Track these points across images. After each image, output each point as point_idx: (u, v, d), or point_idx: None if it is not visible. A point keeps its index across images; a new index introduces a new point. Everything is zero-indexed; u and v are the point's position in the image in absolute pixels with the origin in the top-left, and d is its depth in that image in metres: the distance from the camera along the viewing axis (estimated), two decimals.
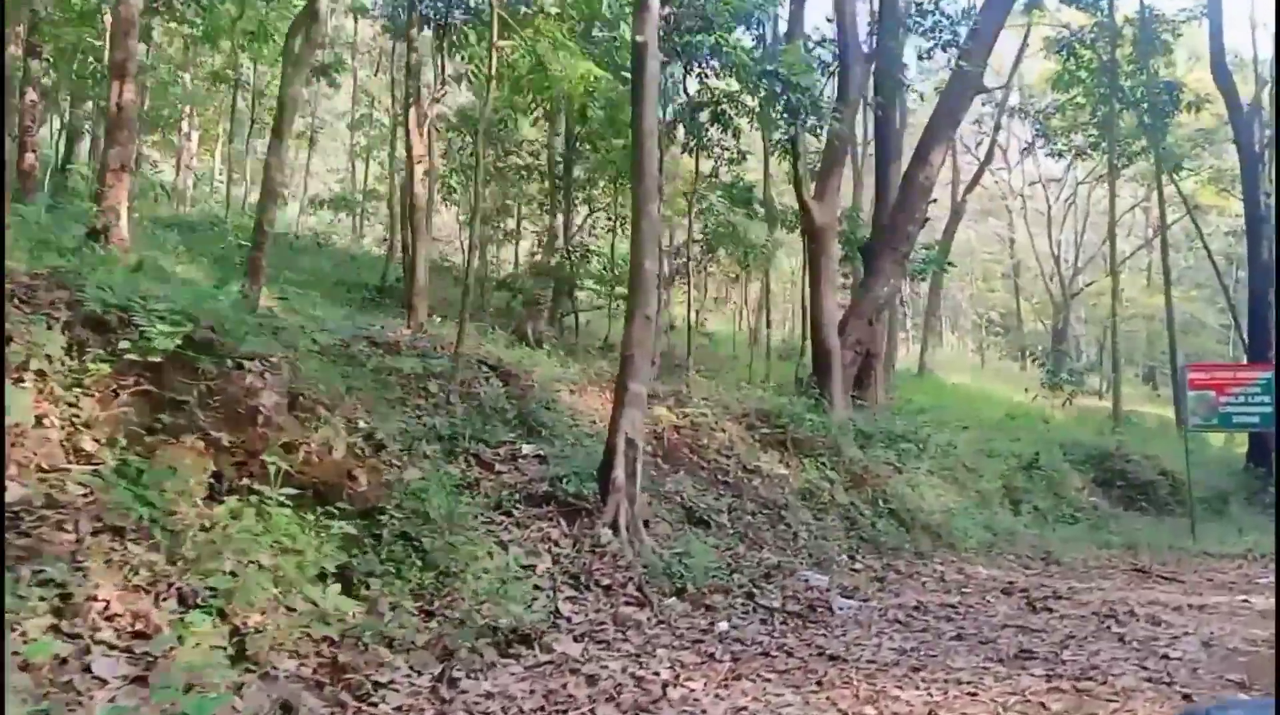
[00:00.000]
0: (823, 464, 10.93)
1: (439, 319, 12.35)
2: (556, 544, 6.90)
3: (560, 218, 16.41)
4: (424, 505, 5.89)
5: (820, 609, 7.07)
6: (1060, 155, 27.67)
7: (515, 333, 15.81)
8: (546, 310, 17.36)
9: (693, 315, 15.05)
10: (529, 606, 5.76)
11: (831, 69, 14.54)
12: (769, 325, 19.06)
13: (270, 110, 17.79)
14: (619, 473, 6.67)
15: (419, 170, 9.55)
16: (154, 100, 19.74)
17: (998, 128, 29.90)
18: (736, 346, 17.70)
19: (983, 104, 29.92)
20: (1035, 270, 45.85)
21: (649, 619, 6.15)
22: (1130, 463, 17.97)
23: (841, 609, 7.11)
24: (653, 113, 7.33)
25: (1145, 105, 23.68)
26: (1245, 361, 21.92)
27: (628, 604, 6.27)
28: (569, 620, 5.94)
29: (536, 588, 6.19)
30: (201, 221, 18.81)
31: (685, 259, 13.93)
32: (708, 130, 11.95)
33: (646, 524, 7.27)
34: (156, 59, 19.56)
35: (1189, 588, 9.98)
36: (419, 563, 5.58)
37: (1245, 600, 9.02)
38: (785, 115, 11.55)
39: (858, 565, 9.19)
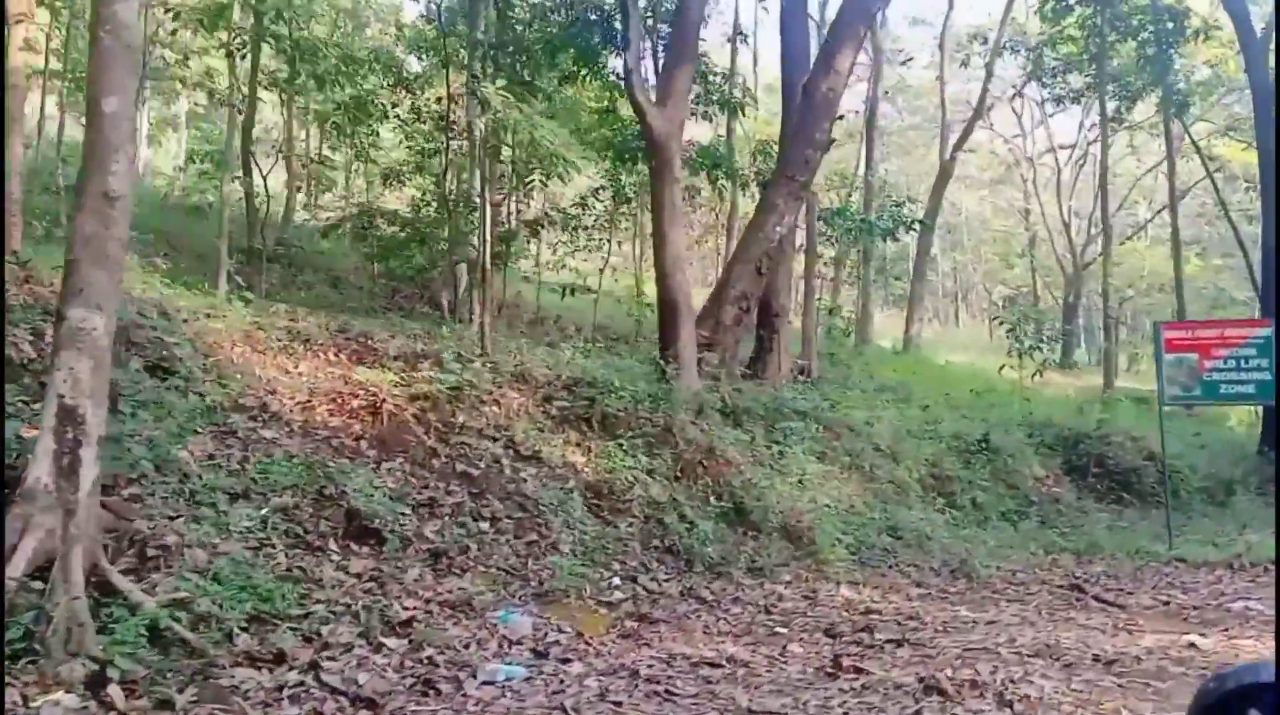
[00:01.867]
0: (640, 448, 8.19)
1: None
2: None
3: None
4: None
5: (446, 684, 4.36)
6: (1058, 102, 24.49)
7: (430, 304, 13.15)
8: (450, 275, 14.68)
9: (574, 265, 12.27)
10: None
11: None
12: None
13: None
14: (38, 472, 3.90)
15: (18, 34, 6.90)
16: None
17: (989, 74, 26.65)
18: (633, 303, 14.90)
19: (972, 42, 26.82)
20: (1051, 243, 42.46)
21: None
22: (1110, 446, 14.97)
23: (487, 683, 4.39)
24: None
25: (1147, 34, 20.50)
26: None
27: None
28: None
29: None
30: None
31: (510, 187, 11.02)
32: None
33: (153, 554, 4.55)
34: None
35: (1126, 618, 7.15)
36: None
37: (1191, 645, 6.19)
38: None
39: (631, 590, 6.46)
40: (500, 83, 9.37)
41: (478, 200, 10.33)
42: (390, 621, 4.88)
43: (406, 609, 5.08)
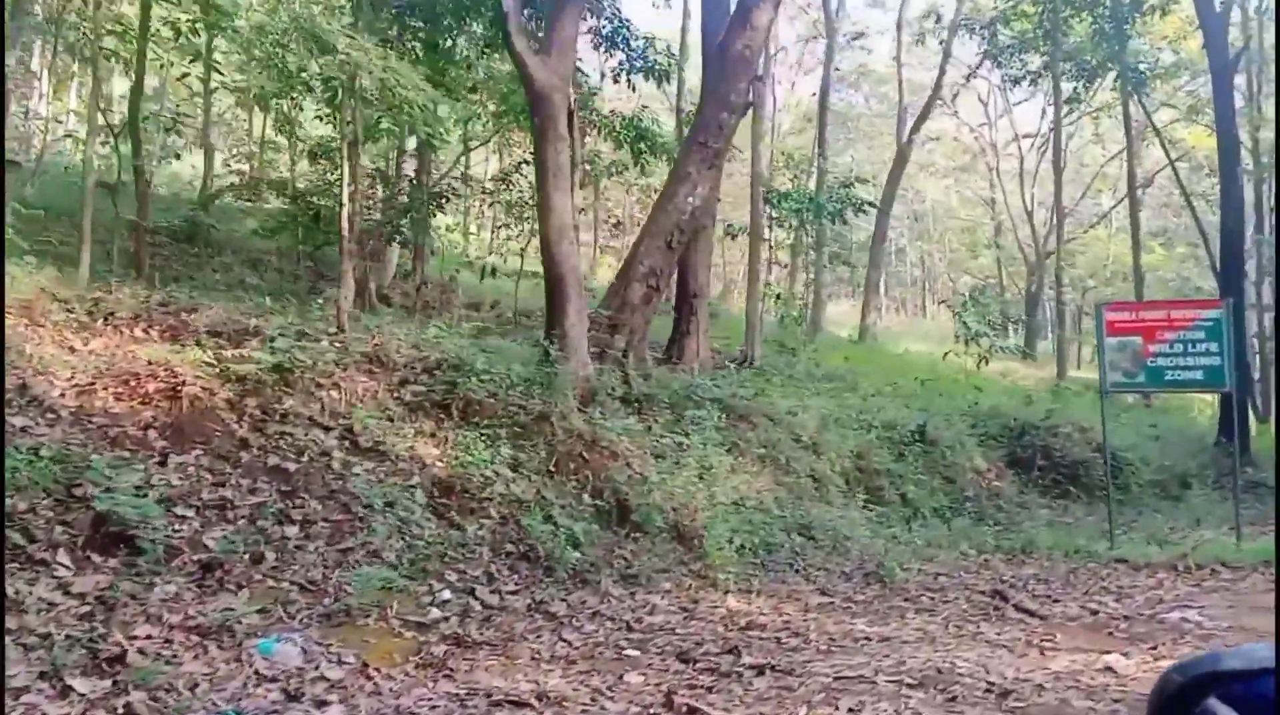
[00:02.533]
0: (506, 439, 7.20)
1: None
2: None
3: None
4: None
5: None
6: (1015, 82, 23.70)
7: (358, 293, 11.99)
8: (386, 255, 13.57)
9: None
10: None
11: None
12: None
13: None
14: None
15: None
16: None
17: (947, 55, 25.79)
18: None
19: (926, 18, 26.01)
20: (1014, 232, 41.82)
21: None
22: (1058, 437, 14.18)
23: None
24: None
25: (1103, 8, 19.72)
26: None
27: None
28: None
29: None
30: None
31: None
32: None
33: None
34: None
35: (1043, 632, 6.27)
36: None
37: (1108, 668, 5.31)
38: None
39: (461, 606, 5.49)
40: (376, 40, 8.34)
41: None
42: (99, 656, 3.88)
43: (133, 638, 4.08)
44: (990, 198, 44.83)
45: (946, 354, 15.47)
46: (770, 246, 23.47)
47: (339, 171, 11.26)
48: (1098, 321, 10.51)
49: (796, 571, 8.02)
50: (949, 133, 45.53)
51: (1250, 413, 22.43)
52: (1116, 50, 19.92)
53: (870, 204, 19.81)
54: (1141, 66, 21.20)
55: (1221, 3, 17.96)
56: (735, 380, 11.48)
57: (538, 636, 5.35)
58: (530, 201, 15.59)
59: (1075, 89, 22.50)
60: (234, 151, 18.13)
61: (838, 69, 39.68)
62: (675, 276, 11.41)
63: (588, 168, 15.21)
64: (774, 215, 21.03)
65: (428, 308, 13.95)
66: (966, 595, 7.66)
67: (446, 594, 5.55)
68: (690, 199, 10.03)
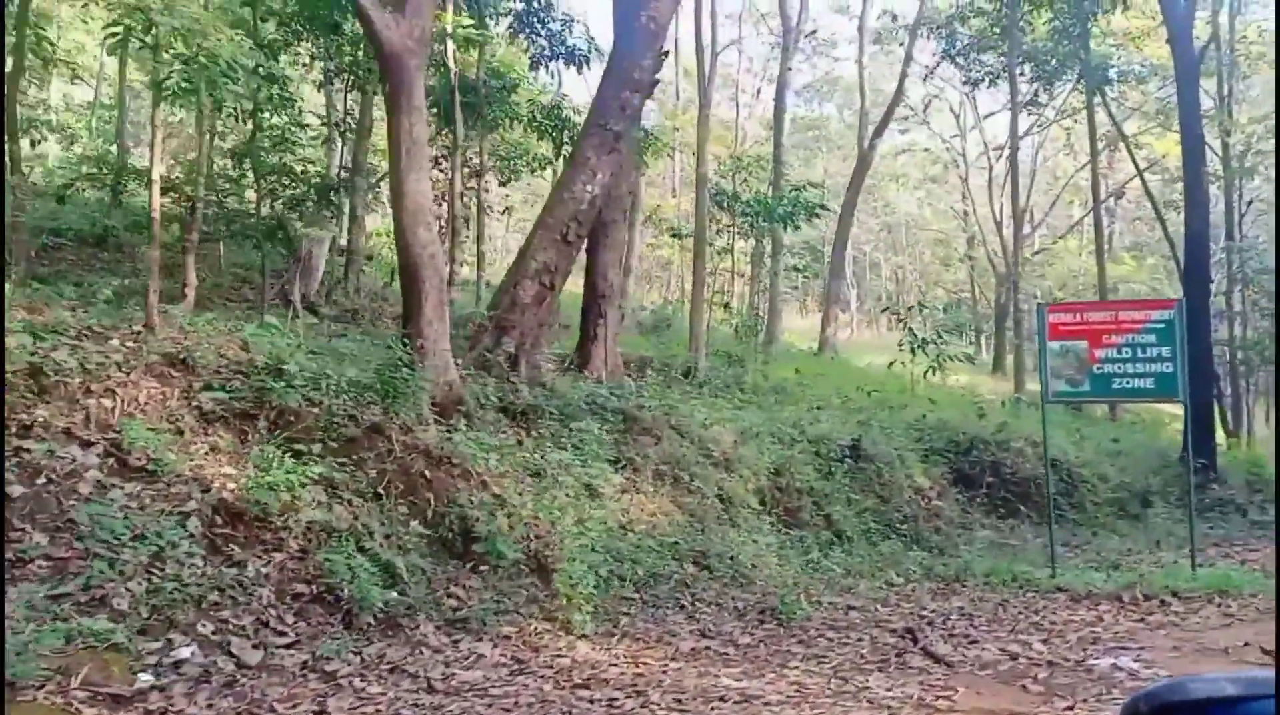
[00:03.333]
0: (320, 455, 6.09)
1: None
2: None
3: None
4: None
5: None
6: (975, 84, 22.88)
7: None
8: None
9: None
10: None
11: None
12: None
13: None
14: None
15: None
16: None
17: (908, 58, 24.97)
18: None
19: (882, 17, 25.21)
20: (984, 243, 41.09)
21: None
22: (1009, 452, 13.17)
23: None
24: None
25: (1062, 4, 18.91)
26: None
27: None
28: None
29: None
30: None
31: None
32: None
33: None
34: None
35: (942, 686, 5.20)
36: None
37: None
38: None
39: (202, 668, 4.37)
40: None
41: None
42: None
43: None
44: (963, 210, 44.18)
45: (892, 363, 14.45)
46: (732, 258, 22.58)
47: (198, 156, 10.26)
48: (1039, 323, 9.52)
49: (681, 608, 6.94)
50: (921, 144, 45.00)
51: (1219, 426, 21.58)
52: (1078, 49, 19.11)
53: (823, 207, 18.85)
54: (1111, 73, 20.42)
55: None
56: (653, 391, 10.43)
57: (292, 706, 4.23)
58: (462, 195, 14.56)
59: (1036, 91, 21.68)
60: (95, 135, 16.90)
61: (799, 73, 39.02)
62: (587, 275, 10.36)
63: (504, 162, 14.19)
64: (731, 223, 20.13)
65: (357, 317, 12.85)
66: (873, 635, 6.60)
67: (187, 651, 4.43)
68: (588, 188, 8.99)
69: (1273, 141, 23.66)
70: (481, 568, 6.19)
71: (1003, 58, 20.99)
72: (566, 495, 7.44)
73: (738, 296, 24.63)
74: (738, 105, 34.02)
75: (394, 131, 7.28)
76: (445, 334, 7.37)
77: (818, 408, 13.83)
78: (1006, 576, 8.89)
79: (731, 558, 7.82)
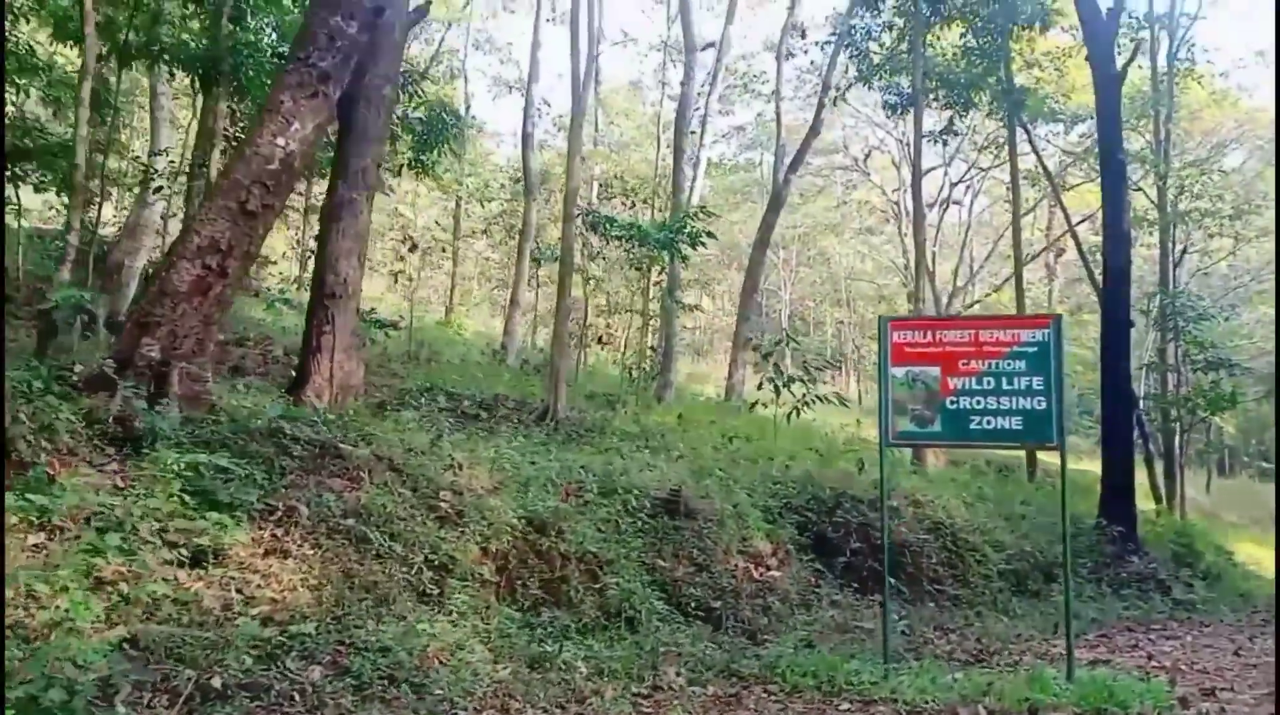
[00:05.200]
0: None
1: None
2: None
3: None
4: None
5: None
6: (892, 109, 21.09)
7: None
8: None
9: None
10: None
11: None
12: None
13: None
14: None
15: None
16: None
17: (826, 88, 23.20)
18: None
19: (790, 34, 23.54)
20: (928, 296, 39.48)
21: None
22: (878, 512, 10.87)
23: None
24: None
25: (976, 19, 17.22)
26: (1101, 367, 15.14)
27: None
28: None
29: None
30: None
31: None
32: None
33: None
34: None
35: None
36: None
37: None
38: None
39: None
40: None
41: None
42: None
43: None
44: (903, 263, 42.77)
45: (754, 405, 12.22)
46: (639, 292, 20.47)
47: None
48: (881, 342, 7.30)
49: None
50: (861, 198, 43.85)
51: (1151, 493, 19.59)
52: (994, 65, 17.38)
53: (710, 234, 16.75)
54: (1030, 100, 18.71)
55: (1109, 10, 15.45)
56: (395, 423, 8.05)
57: None
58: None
59: (951, 119, 19.94)
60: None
61: (728, 116, 37.48)
62: (315, 269, 8.03)
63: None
64: (603, 248, 18.22)
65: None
66: None
67: None
68: (281, 140, 6.70)
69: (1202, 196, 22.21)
70: None
71: (910, 78, 19.29)
72: (155, 562, 5.00)
73: (629, 334, 22.44)
74: (658, 144, 32.21)
75: None
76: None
77: (674, 454, 11.60)
78: (824, 678, 6.55)
79: (400, 658, 5.37)
